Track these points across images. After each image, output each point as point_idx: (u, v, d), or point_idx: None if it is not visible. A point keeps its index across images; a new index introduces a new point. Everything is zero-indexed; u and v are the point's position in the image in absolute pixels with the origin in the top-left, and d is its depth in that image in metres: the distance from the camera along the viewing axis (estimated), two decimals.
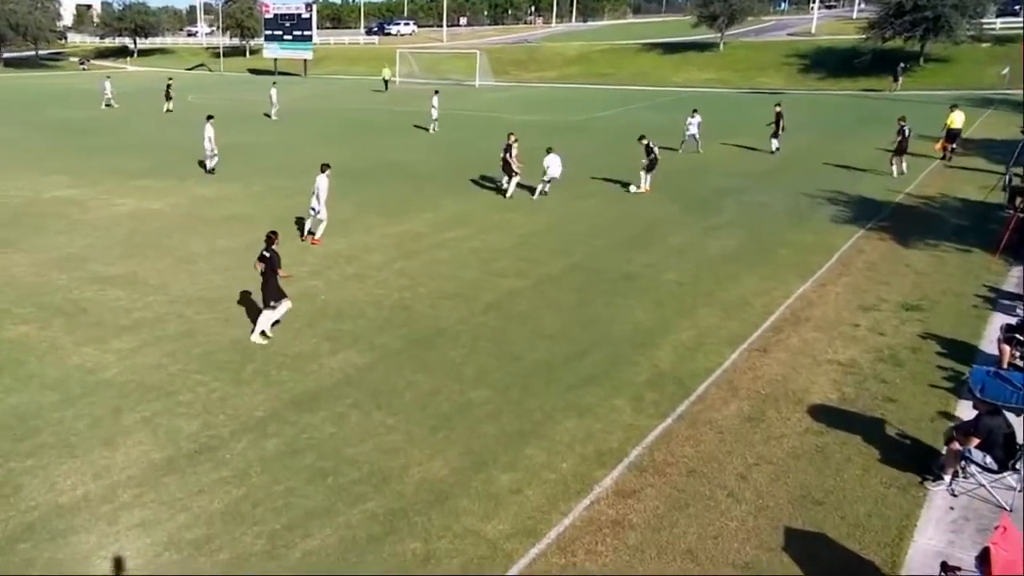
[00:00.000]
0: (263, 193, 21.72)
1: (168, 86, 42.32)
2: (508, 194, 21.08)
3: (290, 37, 71.99)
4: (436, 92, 35.75)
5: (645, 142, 21.84)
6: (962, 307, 12.91)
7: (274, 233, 11.93)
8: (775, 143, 27.82)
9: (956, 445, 8.00)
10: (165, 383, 10.26)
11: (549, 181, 21.17)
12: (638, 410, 9.58)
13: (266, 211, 19.51)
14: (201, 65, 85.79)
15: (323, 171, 16.58)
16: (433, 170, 25.25)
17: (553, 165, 21.10)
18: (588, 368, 10.74)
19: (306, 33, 71.84)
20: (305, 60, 71.97)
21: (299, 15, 71.43)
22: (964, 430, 8.15)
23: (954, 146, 26.16)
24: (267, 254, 11.56)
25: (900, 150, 23.09)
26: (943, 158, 25.91)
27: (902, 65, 48.75)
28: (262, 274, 11.62)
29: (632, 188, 21.88)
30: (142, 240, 16.95)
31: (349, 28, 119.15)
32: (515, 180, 21.14)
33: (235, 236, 17.23)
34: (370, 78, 65.75)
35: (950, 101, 34.65)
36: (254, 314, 12.60)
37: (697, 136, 27.81)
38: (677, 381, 10.32)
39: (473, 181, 23.07)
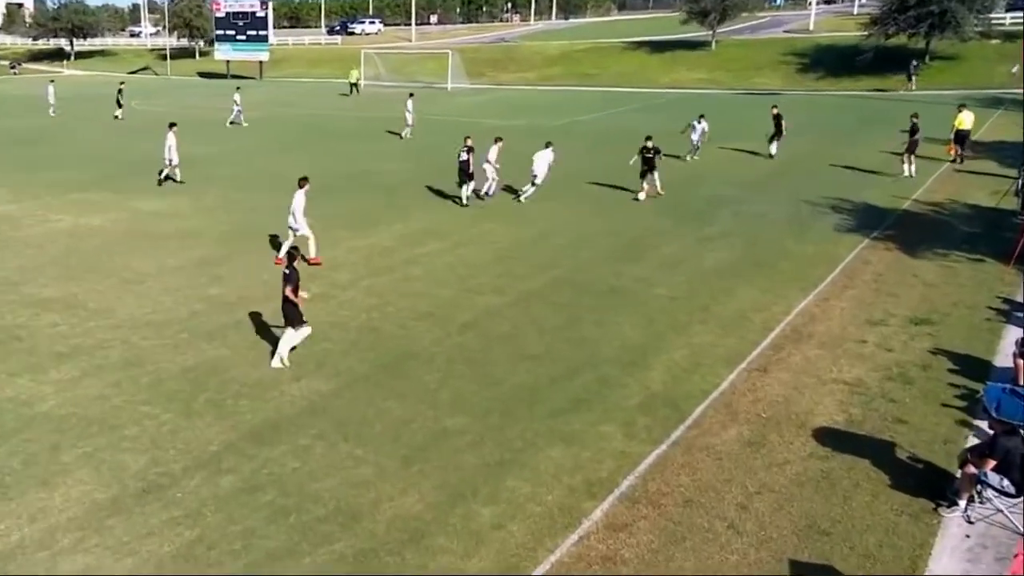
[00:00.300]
0: (214, 207, 21.69)
1: (119, 91, 42.44)
2: (464, 200, 21.51)
3: (244, 37, 72.02)
4: (411, 95, 36.07)
5: (649, 144, 22.11)
6: (975, 320, 13.14)
7: (295, 249, 12.37)
8: (774, 147, 28.21)
9: (971, 468, 8.12)
10: (109, 416, 10.18)
11: (534, 185, 21.55)
12: (629, 436, 9.64)
13: (217, 226, 19.50)
14: (145, 68, 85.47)
15: (300, 186, 16.43)
16: (404, 179, 25.34)
17: (538, 163, 21.49)
18: (574, 391, 10.80)
19: (261, 33, 71.96)
20: (261, 62, 71.99)
21: (253, 13, 71.51)
22: (979, 452, 8.28)
23: (963, 149, 26.66)
24: (287, 271, 11.72)
25: (911, 148, 23.86)
26: (953, 160, 26.44)
27: (915, 63, 49.25)
28: (284, 295, 11.70)
29: (641, 195, 22.14)
30: (81, 259, 16.84)
31: (309, 27, 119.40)
32: (466, 187, 21.58)
33: (184, 253, 17.19)
34: (333, 81, 65.84)
35: (958, 101, 35.37)
36: (206, 339, 12.57)
37: (699, 144, 28.04)
38: (671, 404, 10.40)
39: (447, 191, 23.14)
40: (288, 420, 10.10)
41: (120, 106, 41.80)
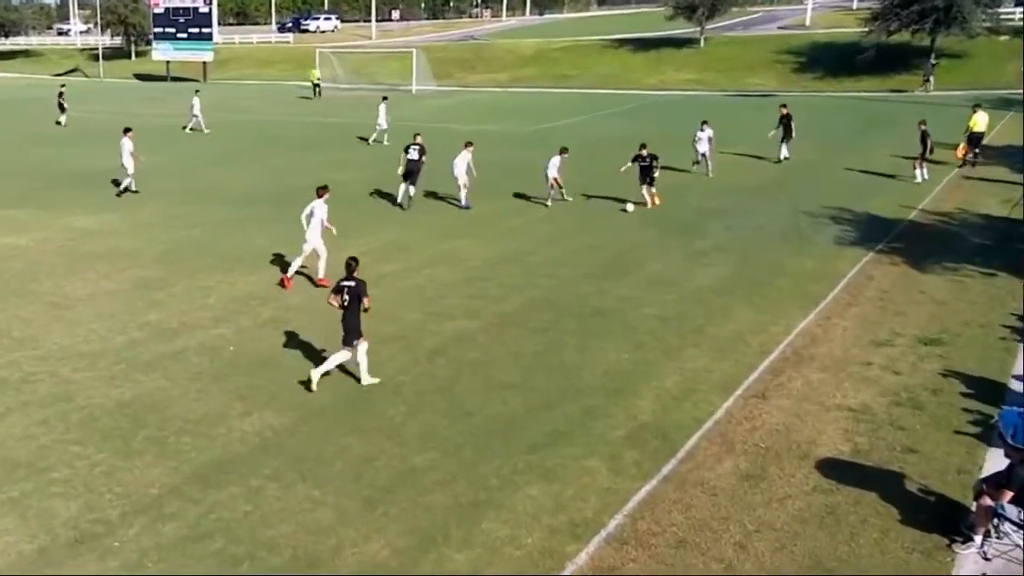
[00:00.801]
0: (153, 223, 21.59)
1: (60, 94, 42.76)
2: (399, 200, 22.51)
3: (185, 35, 71.90)
4: (384, 99, 36.71)
5: (644, 152, 22.58)
6: (988, 340, 13.37)
7: (354, 259, 12.23)
8: (784, 150, 28.73)
9: (987, 500, 8.23)
10: (36, 457, 10.06)
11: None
12: (616, 471, 9.68)
13: (156, 245, 19.43)
14: (75, 70, 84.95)
15: (319, 195, 16.37)
16: (365, 191, 25.34)
17: (550, 169, 22.78)
18: (555, 423, 10.83)
19: (205, 31, 71.90)
20: (204, 63, 71.88)
21: (196, 9, 71.45)
22: (995, 482, 8.39)
23: (977, 151, 27.42)
24: (351, 283, 11.86)
25: (924, 155, 24.95)
26: (962, 165, 27.11)
27: (932, 62, 49.75)
28: (343, 307, 11.83)
29: (629, 207, 22.40)
30: (3, 283, 16.67)
31: (258, 24, 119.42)
32: (411, 189, 22.48)
33: (120, 275, 17.09)
34: (286, 83, 65.96)
35: (965, 101, 36.11)
36: (144, 370, 12.48)
37: (708, 154, 26.87)
38: (661, 435, 10.47)
39: (415, 203, 23.20)
40: (238, 459, 10.03)
41: (63, 110, 42.14)
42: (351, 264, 12.11)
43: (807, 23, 71.11)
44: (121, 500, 9.21)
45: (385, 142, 34.76)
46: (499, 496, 9.24)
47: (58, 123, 41.73)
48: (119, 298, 15.74)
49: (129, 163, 24.43)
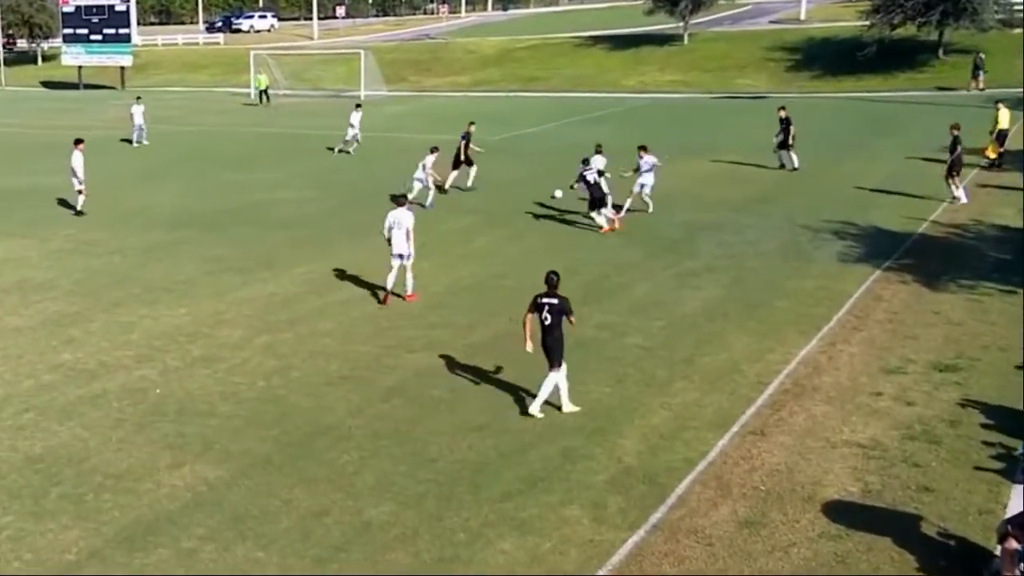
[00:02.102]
0: (66, 250, 21.48)
1: None
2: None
3: (99, 37, 71.58)
4: (357, 106, 37.35)
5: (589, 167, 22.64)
6: (1009, 365, 13.57)
7: (555, 274, 12.47)
8: (794, 158, 29.31)
9: (1012, 543, 8.34)
10: None
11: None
12: (599, 521, 9.73)
13: (71, 274, 19.34)
14: None
15: (399, 204, 17.31)
16: (308, 211, 25.39)
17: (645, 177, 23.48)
18: (530, 468, 10.86)
19: (122, 31, 71.61)
20: (122, 68, 71.60)
21: (111, 7, 71.14)
22: (1021, 523, 8.53)
23: (1002, 151, 28.67)
24: (554, 300, 12.20)
25: (954, 167, 24.32)
26: (993, 165, 28.32)
27: (981, 56, 49.25)
28: (546, 327, 12.12)
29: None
30: None
31: (183, 24, 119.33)
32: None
33: (28, 310, 16.97)
34: (216, 89, 65.90)
35: (977, 102, 36.93)
36: (58, 418, 12.37)
37: (647, 190, 23.74)
38: (649, 479, 10.53)
39: (364, 223, 23.24)
40: (167, 518, 9.95)
41: None
42: (552, 279, 12.36)
43: (802, 17, 72.21)
44: (32, 567, 9.11)
45: (351, 152, 35.21)
46: (467, 552, 9.24)
47: None
48: (27, 336, 15.60)
49: (81, 175, 25.00)
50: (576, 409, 12.29)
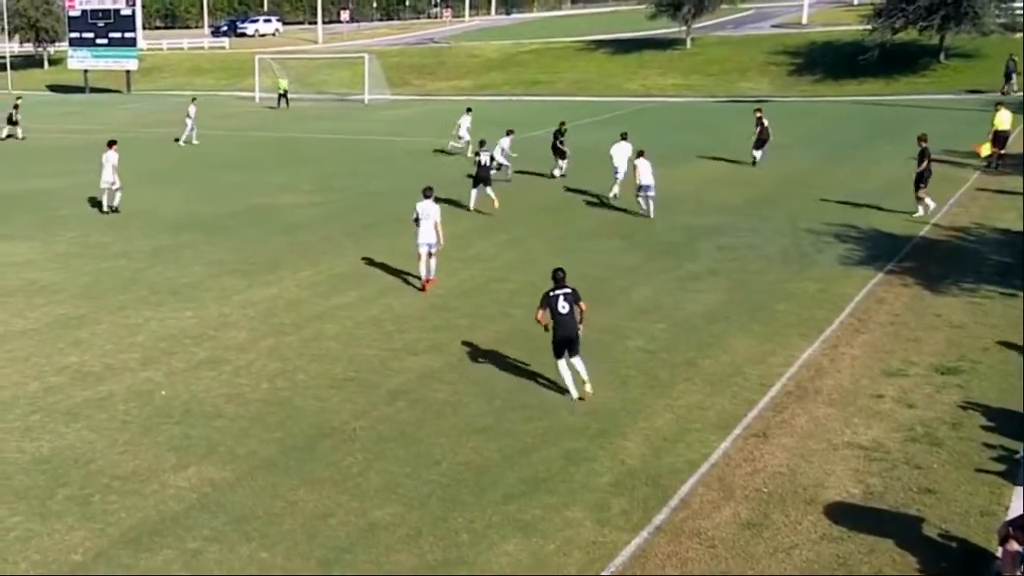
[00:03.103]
0: (72, 253, 21.51)
1: (15, 107, 44.12)
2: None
3: (105, 41, 71.81)
4: (468, 110, 36.90)
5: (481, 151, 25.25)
6: (1010, 367, 13.57)
7: (561, 270, 13.16)
8: (757, 155, 30.21)
9: (1014, 545, 8.33)
10: None
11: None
12: (602, 522, 9.74)
13: (77, 277, 19.36)
14: None
15: (426, 196, 18.15)
16: (314, 215, 25.42)
17: (618, 158, 25.40)
18: (533, 470, 10.87)
19: (128, 35, 71.85)
20: (128, 71, 71.77)
21: (117, 11, 71.40)
22: (1022, 525, 8.53)
23: (1002, 153, 28.81)
24: (567, 290, 12.88)
25: (922, 179, 23.16)
26: (988, 166, 28.43)
27: (1014, 58, 48.53)
28: (564, 316, 12.75)
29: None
30: None
31: (189, 28, 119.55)
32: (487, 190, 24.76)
33: (35, 313, 16.99)
34: (221, 93, 65.98)
35: (979, 105, 36.91)
36: (65, 420, 12.40)
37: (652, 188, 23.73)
38: (652, 481, 10.54)
39: (367, 226, 23.32)
40: (173, 519, 9.97)
41: (14, 123, 43.80)
42: (559, 274, 13.10)
43: (803, 21, 72.36)
44: (39, 568, 9.12)
45: (469, 154, 34.67)
46: (471, 553, 9.25)
47: (8, 137, 43.43)
48: (34, 338, 15.62)
49: (114, 178, 25.50)
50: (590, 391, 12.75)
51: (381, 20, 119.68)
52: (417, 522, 9.81)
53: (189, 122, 41.37)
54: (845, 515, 9.75)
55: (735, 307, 16.69)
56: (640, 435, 11.72)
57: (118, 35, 71.45)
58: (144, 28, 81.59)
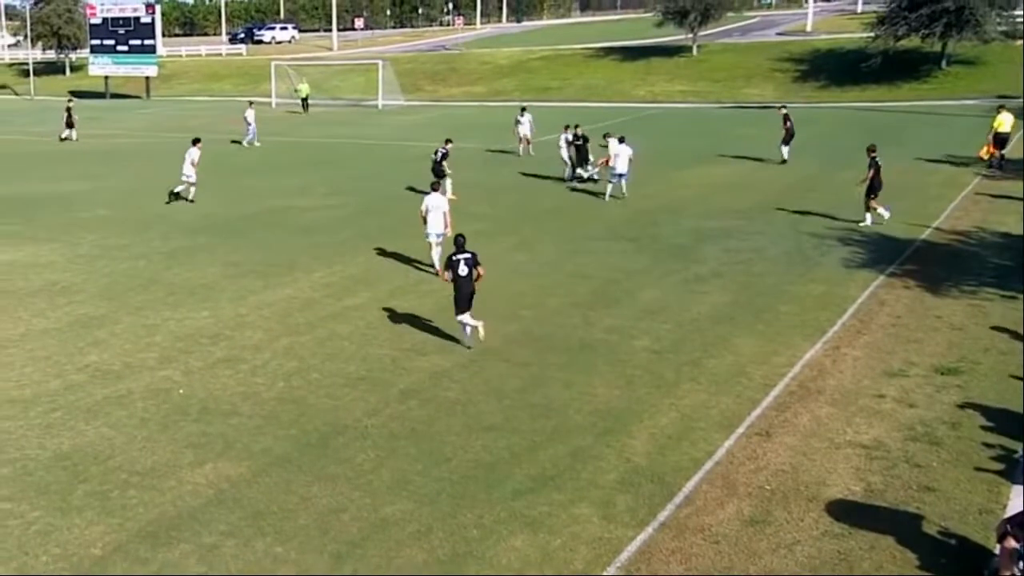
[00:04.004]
0: (92, 255, 21.58)
1: (69, 110, 44.74)
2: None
3: (126, 48, 72.19)
4: (523, 109, 37.73)
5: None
6: (1009, 368, 13.54)
7: (462, 236, 14.88)
8: (785, 151, 30.69)
9: (1012, 542, 8.32)
10: None
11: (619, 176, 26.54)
12: (608, 519, 9.75)
13: (97, 278, 19.44)
14: (3, 87, 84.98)
15: (434, 190, 19.71)
16: (327, 217, 25.49)
17: (621, 158, 26.34)
18: (540, 467, 10.89)
19: (148, 42, 72.18)
20: (147, 78, 72.09)
21: (137, 19, 71.76)
22: (1020, 522, 8.51)
23: (1003, 154, 29.17)
24: (468, 255, 14.49)
25: (874, 188, 22.62)
26: (990, 166, 28.84)
27: None
28: (463, 278, 14.45)
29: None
30: None
31: (207, 35, 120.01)
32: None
33: (56, 313, 17.07)
34: (238, 99, 66.06)
35: (981, 111, 36.78)
36: (85, 417, 12.47)
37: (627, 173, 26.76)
38: (657, 479, 10.55)
39: (381, 229, 23.37)
40: (190, 514, 10.01)
41: (71, 126, 44.44)
42: (460, 240, 14.79)
43: (808, 29, 72.33)
44: (59, 562, 9.16)
45: (531, 152, 35.70)
46: (480, 548, 9.27)
47: (63, 139, 44.11)
48: (55, 338, 15.69)
49: (190, 172, 27.18)
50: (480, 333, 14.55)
51: (395, 28, 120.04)
52: (427, 518, 9.83)
53: (251, 127, 41.96)
54: (846, 512, 9.75)
55: (740, 309, 16.69)
56: (646, 433, 11.73)
57: (138, 42, 71.81)
58: (163, 35, 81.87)
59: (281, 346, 15.23)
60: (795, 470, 10.70)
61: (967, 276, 18.28)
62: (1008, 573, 8.33)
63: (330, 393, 13.24)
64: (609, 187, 26.82)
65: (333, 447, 11.55)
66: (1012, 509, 9.46)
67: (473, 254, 14.50)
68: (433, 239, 19.09)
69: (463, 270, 14.43)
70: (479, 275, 14.57)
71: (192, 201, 27.50)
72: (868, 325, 15.64)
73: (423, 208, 19.05)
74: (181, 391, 13.40)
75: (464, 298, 14.51)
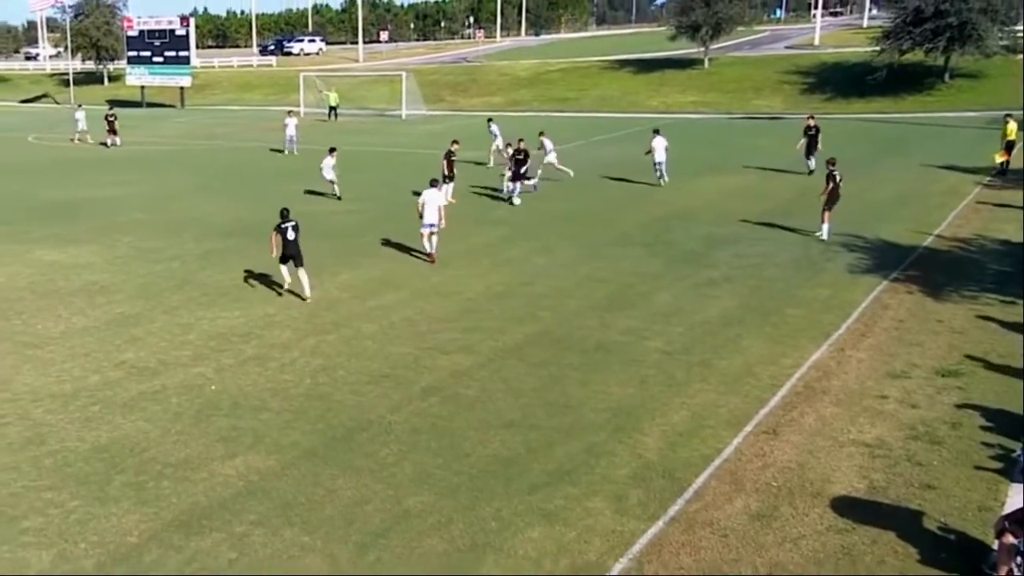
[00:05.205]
0: (128, 257, 21.76)
1: (113, 120, 45.64)
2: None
3: (161, 59, 72.58)
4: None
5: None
6: (1008, 371, 13.50)
7: (287, 209, 18.22)
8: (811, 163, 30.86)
9: (1009, 538, 8.31)
10: (6, 505, 10.12)
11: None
12: (621, 512, 9.78)
13: (133, 279, 19.59)
14: (44, 96, 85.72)
15: (432, 185, 20.68)
16: (353, 222, 25.60)
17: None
18: (556, 462, 10.92)
19: (182, 54, 72.55)
20: (182, 88, 72.51)
21: (172, 31, 72.15)
22: (1018, 519, 8.49)
23: (1008, 161, 29.99)
24: (294, 223, 17.78)
25: (832, 199, 22.07)
26: (1001, 172, 29.67)
27: None
28: (291, 241, 17.56)
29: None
30: None
31: (238, 47, 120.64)
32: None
33: (95, 312, 17.22)
34: (269, 108, 66.49)
35: (983, 123, 36.65)
36: (121, 411, 12.58)
37: (665, 163, 29.97)
38: (668, 474, 10.57)
39: (404, 233, 23.40)
40: (221, 504, 10.09)
41: (115, 132, 45.28)
42: (285, 212, 18.05)
43: (816, 43, 72.15)
44: (97, 549, 9.26)
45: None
46: (498, 539, 9.31)
47: (105, 144, 44.96)
48: (94, 335, 15.84)
49: (332, 175, 29.02)
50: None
51: (418, 40, 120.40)
52: (448, 510, 9.89)
53: (289, 136, 42.15)
54: (850, 508, 9.76)
55: (749, 312, 16.67)
56: (657, 431, 11.75)
57: (173, 53, 72.18)
58: (197, 47, 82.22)
59: (308, 345, 15.32)
60: (801, 467, 10.70)
61: (968, 282, 18.20)
62: (1006, 568, 8.33)
63: (355, 390, 13.31)
64: (511, 188, 28.13)
65: (358, 441, 11.62)
66: (1010, 506, 9.43)
67: (297, 222, 17.78)
68: (426, 230, 20.30)
69: (291, 235, 17.59)
70: (294, 243, 17.75)
71: (340, 198, 29.02)
72: (872, 328, 15.60)
73: (420, 202, 20.31)
74: (213, 387, 13.50)
75: (291, 255, 17.64)
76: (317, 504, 10.07)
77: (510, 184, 28.05)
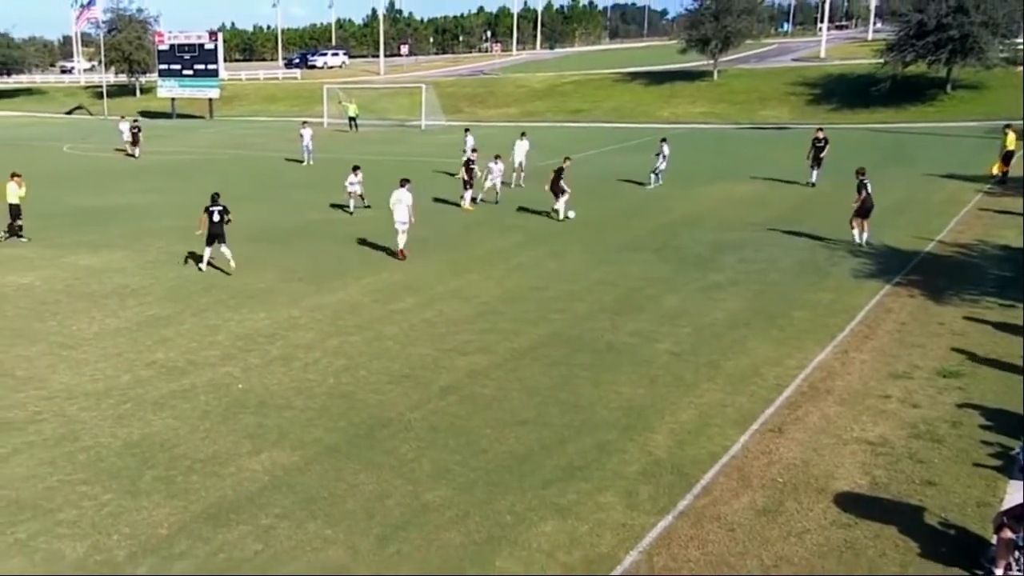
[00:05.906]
0: (159, 261, 21.90)
1: (137, 130, 46.22)
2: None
3: (191, 72, 73.12)
4: (523, 135, 35.05)
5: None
6: (1007, 372, 13.43)
7: (217, 194, 20.26)
8: (815, 175, 30.70)
9: (1008, 533, 8.30)
10: (42, 498, 10.21)
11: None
12: (631, 507, 9.79)
13: (163, 282, 19.71)
14: (79, 108, 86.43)
15: (402, 185, 21.61)
16: (373, 228, 25.65)
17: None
18: (569, 459, 10.94)
19: (211, 67, 73.09)
20: (210, 99, 72.98)
21: (201, 45, 72.71)
22: (1016, 515, 8.47)
23: (1007, 170, 29.80)
24: (220, 207, 19.88)
25: (864, 210, 21.77)
26: (1001, 181, 29.44)
27: None
28: (216, 222, 19.78)
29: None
30: (7, 323, 16.92)
31: (264, 60, 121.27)
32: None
33: (127, 313, 17.35)
34: (293, 119, 66.73)
35: (983, 133, 36.50)
36: (152, 409, 12.69)
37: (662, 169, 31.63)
38: (676, 470, 10.58)
39: (419, 239, 23.47)
40: (247, 498, 10.16)
41: (136, 144, 45.85)
42: (215, 196, 20.06)
43: (822, 55, 71.98)
44: (129, 541, 9.33)
45: (522, 184, 32.98)
46: (513, 533, 9.35)
47: (131, 155, 45.57)
48: (126, 336, 15.96)
49: (356, 190, 28.55)
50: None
51: (437, 54, 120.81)
52: (465, 504, 9.92)
53: (305, 146, 42.33)
54: (853, 504, 9.74)
55: (755, 314, 16.65)
56: (666, 429, 11.76)
57: (202, 67, 72.73)
58: (225, 60, 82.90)
59: (331, 346, 15.39)
60: (805, 464, 10.68)
61: (968, 286, 18.11)
62: (1004, 562, 8.32)
63: (376, 389, 13.36)
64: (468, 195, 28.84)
65: (379, 438, 11.67)
66: (1009, 502, 9.42)
67: (224, 207, 19.87)
68: (399, 227, 21.33)
69: (216, 217, 19.78)
70: (228, 220, 20.08)
71: (368, 206, 28.24)
72: (875, 331, 15.55)
73: (391, 200, 21.39)
74: (240, 386, 13.57)
75: (215, 235, 19.81)
76: (339, 498, 10.12)
77: (465, 192, 28.89)
